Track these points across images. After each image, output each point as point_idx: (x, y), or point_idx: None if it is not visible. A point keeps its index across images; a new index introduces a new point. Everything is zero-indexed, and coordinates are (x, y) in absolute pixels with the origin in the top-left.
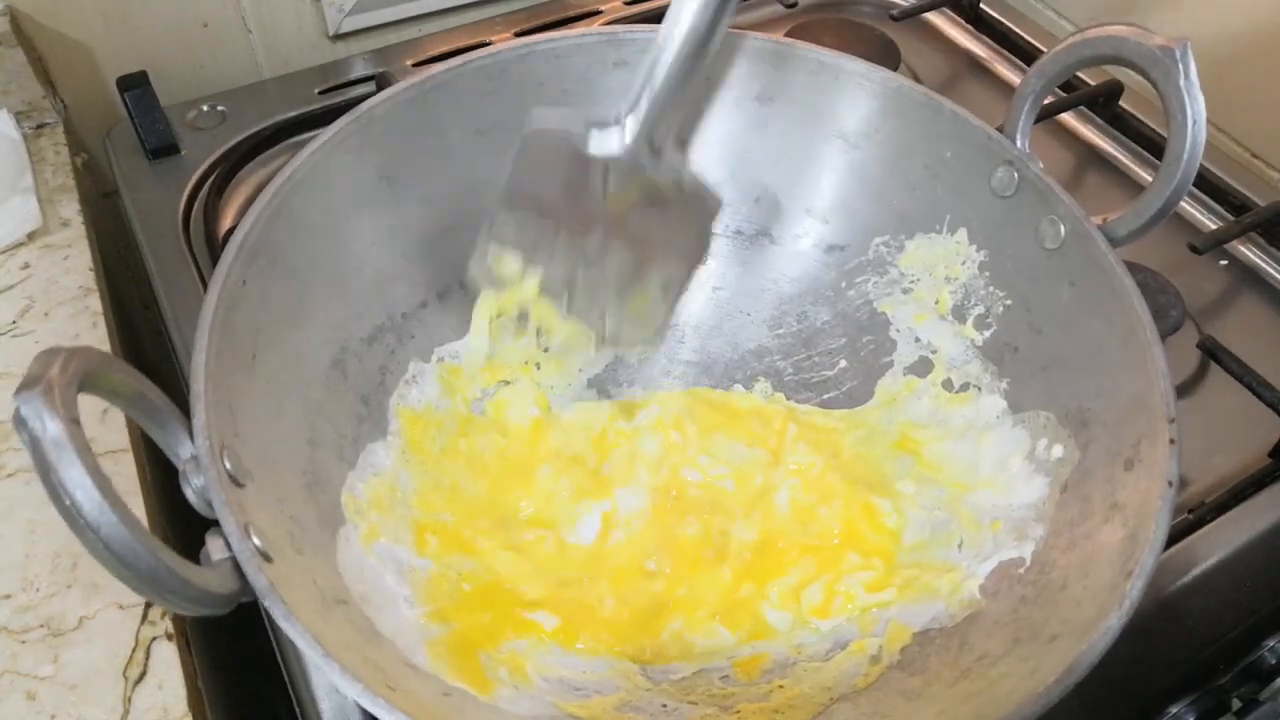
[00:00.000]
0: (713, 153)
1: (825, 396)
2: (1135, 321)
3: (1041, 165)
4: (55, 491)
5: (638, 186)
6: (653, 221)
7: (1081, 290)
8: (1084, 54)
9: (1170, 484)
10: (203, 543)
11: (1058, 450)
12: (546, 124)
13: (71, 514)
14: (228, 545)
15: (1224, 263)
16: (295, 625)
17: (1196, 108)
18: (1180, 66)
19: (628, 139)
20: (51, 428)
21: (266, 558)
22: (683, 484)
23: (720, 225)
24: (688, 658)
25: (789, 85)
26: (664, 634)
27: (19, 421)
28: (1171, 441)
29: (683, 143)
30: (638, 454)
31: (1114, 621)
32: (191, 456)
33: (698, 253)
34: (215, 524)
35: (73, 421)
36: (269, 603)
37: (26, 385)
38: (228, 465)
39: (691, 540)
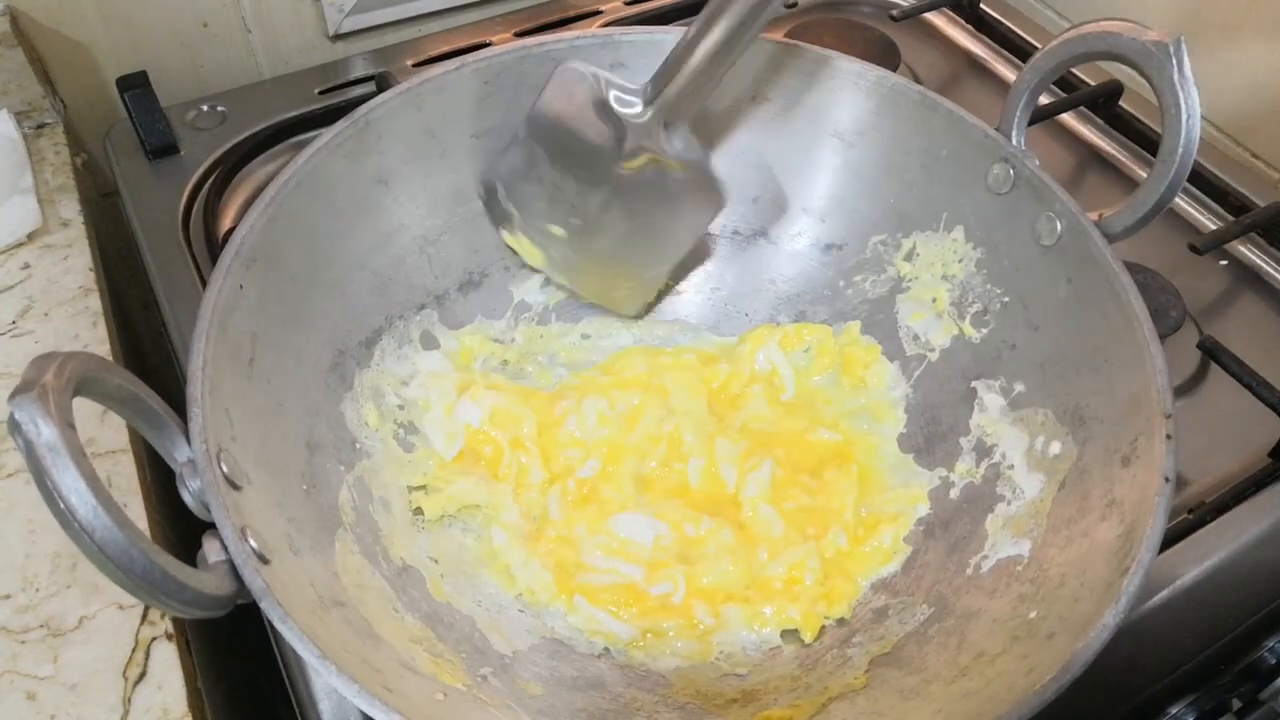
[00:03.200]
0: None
1: None
2: (1132, 318)
3: (1037, 162)
4: (50, 496)
5: (648, 158)
6: (655, 202)
7: (1078, 286)
8: (1078, 50)
9: (1167, 480)
10: (201, 543)
11: (1056, 447)
12: (581, 68)
13: (66, 518)
14: (224, 548)
15: (1224, 263)
16: (292, 627)
17: (1191, 102)
18: (1174, 61)
19: (650, 107)
20: (46, 433)
21: (263, 560)
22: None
23: (717, 226)
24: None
25: (784, 85)
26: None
27: (13, 427)
28: (1168, 437)
29: (698, 133)
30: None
31: (1111, 618)
32: (188, 460)
33: (686, 244)
34: (213, 526)
35: (67, 426)
36: (265, 605)
37: (21, 390)
38: (224, 468)
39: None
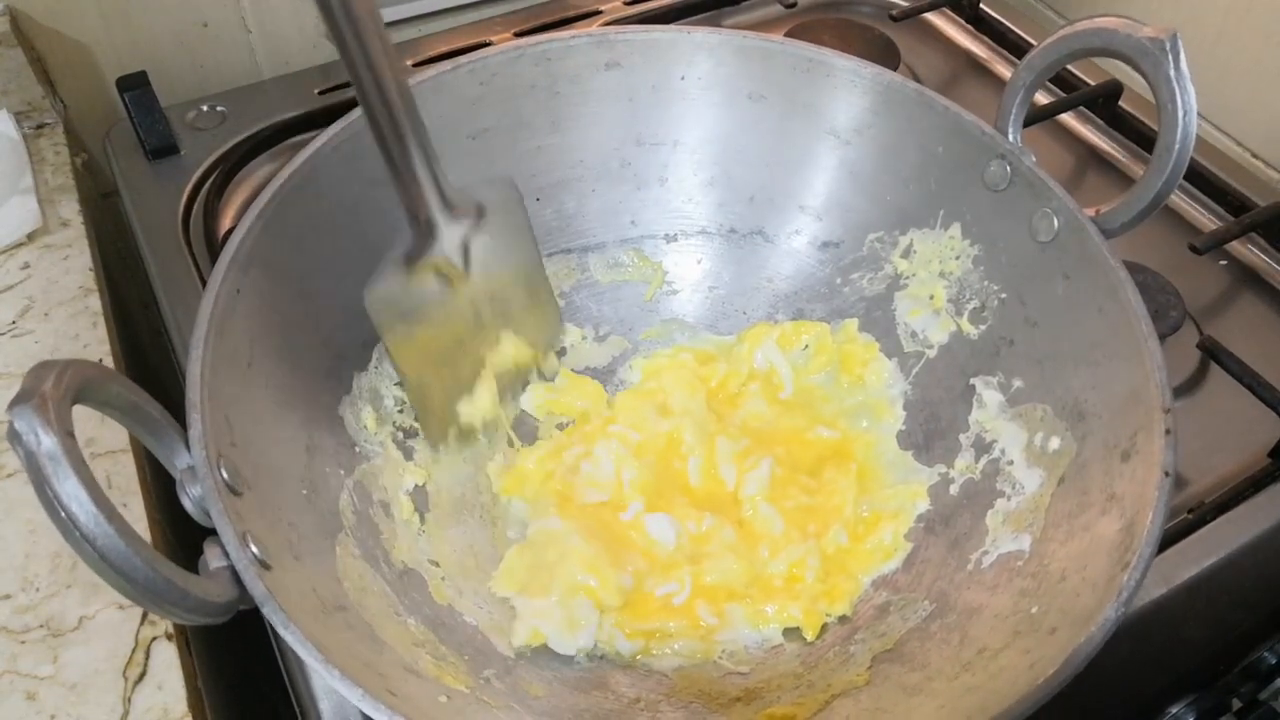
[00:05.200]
0: (705, 151)
1: None
2: (1130, 313)
3: (1034, 159)
4: (51, 505)
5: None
6: (487, 253)
7: (1075, 283)
8: (1074, 46)
9: (1167, 474)
10: (204, 542)
11: (1055, 443)
12: (376, 284)
13: (67, 527)
14: (225, 554)
15: (1224, 263)
16: (295, 633)
17: (1187, 99)
18: (1170, 57)
19: (440, 228)
20: (46, 442)
21: (265, 565)
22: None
23: (715, 224)
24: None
25: (780, 83)
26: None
27: (13, 436)
28: (1168, 432)
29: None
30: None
31: (1112, 612)
32: (188, 466)
33: (530, 242)
34: (213, 532)
35: (67, 435)
36: (268, 610)
37: (20, 399)
38: (224, 474)
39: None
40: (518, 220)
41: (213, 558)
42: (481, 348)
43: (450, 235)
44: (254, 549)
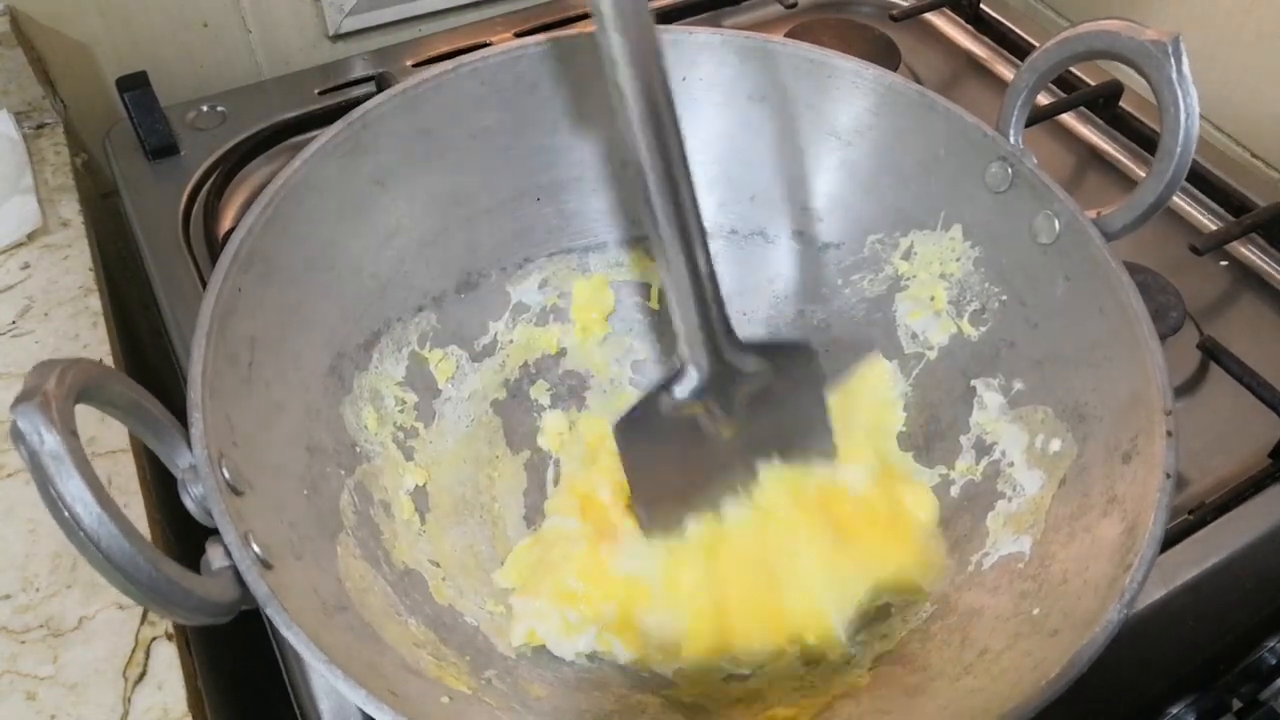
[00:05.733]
0: (706, 152)
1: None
2: (1131, 315)
3: (1035, 161)
4: (54, 504)
5: (740, 393)
6: (764, 414)
7: (1077, 285)
8: (1076, 49)
9: (1168, 476)
10: (204, 542)
11: (1055, 445)
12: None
13: (70, 526)
14: (228, 554)
15: (1224, 263)
16: (297, 633)
17: (1189, 101)
18: (1172, 60)
19: (701, 367)
20: (49, 440)
21: (267, 565)
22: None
23: (716, 225)
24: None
25: (782, 84)
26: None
27: (16, 435)
28: (1169, 434)
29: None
30: None
31: (1114, 614)
32: (190, 465)
33: (821, 412)
34: (215, 531)
35: (70, 434)
36: (270, 610)
37: (23, 398)
38: (226, 474)
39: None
40: (810, 390)
41: (215, 557)
42: (733, 479)
43: (720, 381)
44: (256, 549)
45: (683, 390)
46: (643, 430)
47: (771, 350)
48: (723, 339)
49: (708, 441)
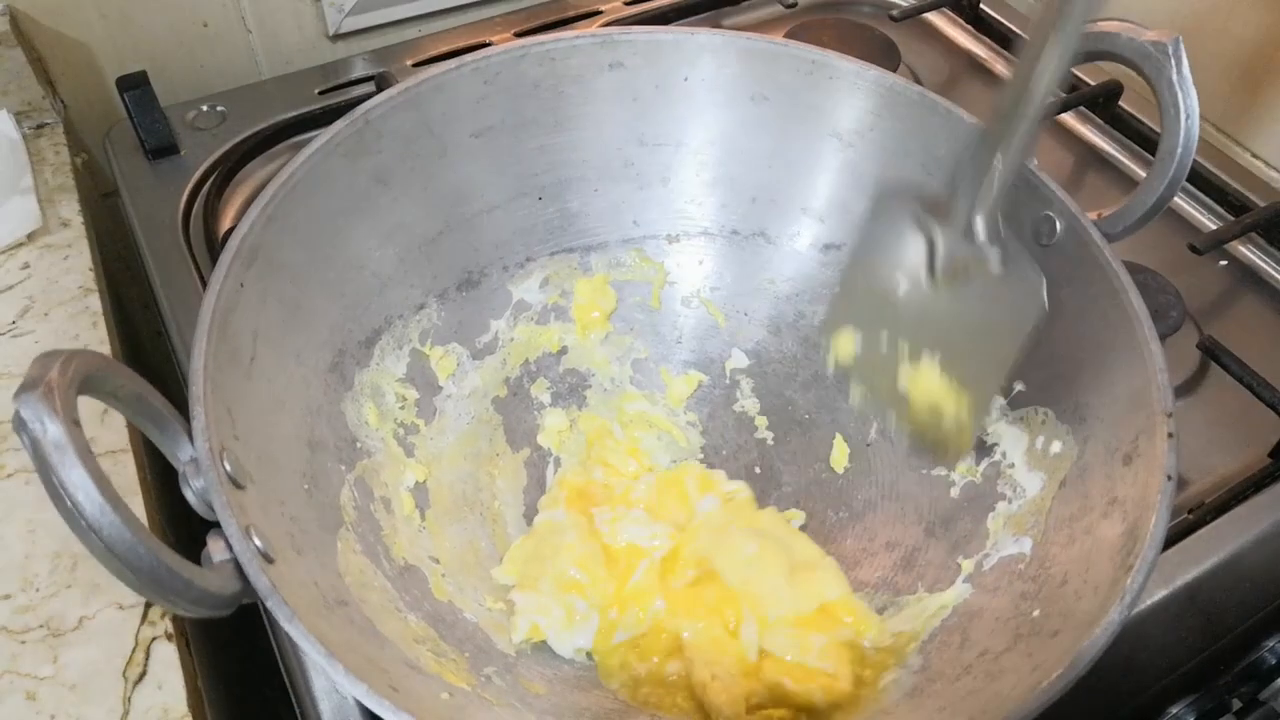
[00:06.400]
0: (708, 152)
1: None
2: (1132, 316)
3: (1035, 161)
4: (56, 493)
5: (962, 264)
6: (972, 313)
7: (1077, 286)
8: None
9: (1169, 478)
10: (203, 542)
11: (1056, 446)
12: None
13: (73, 515)
14: (229, 547)
15: (1224, 263)
16: (298, 627)
17: (1189, 102)
18: (1172, 61)
19: (964, 218)
20: (52, 430)
21: (268, 559)
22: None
23: (717, 225)
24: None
25: (783, 84)
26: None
27: (19, 424)
28: (1170, 436)
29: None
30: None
31: (1114, 616)
32: (191, 459)
33: (1010, 356)
34: (216, 525)
35: (73, 423)
36: (271, 604)
37: (27, 387)
38: (227, 467)
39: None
40: (1016, 309)
41: (216, 551)
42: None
43: (957, 235)
44: (257, 542)
45: (930, 212)
46: (893, 210)
47: (1022, 264)
48: (992, 200)
49: (911, 274)
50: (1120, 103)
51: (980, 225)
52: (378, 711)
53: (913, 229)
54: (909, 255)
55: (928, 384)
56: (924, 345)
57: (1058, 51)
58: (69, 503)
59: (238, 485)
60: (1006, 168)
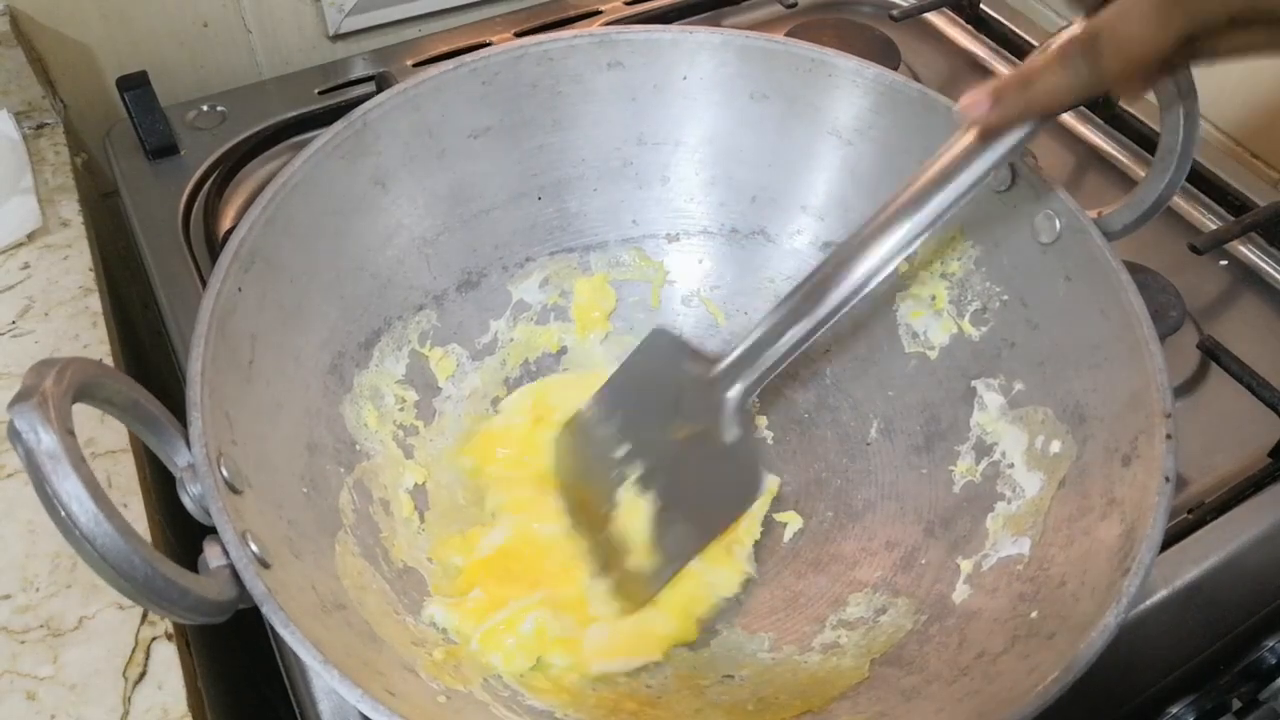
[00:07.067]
0: (707, 151)
1: (820, 392)
2: (1132, 316)
3: (1035, 160)
4: (51, 504)
5: (700, 427)
6: (696, 475)
7: (1077, 285)
8: None
9: (1168, 479)
10: (202, 543)
11: (1055, 446)
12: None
13: (67, 526)
14: (225, 552)
15: (1224, 263)
16: (294, 632)
17: (1190, 102)
18: None
19: (720, 372)
20: (46, 440)
21: (264, 564)
22: None
23: (717, 224)
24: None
25: (782, 83)
26: None
27: (13, 434)
28: (1169, 437)
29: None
30: None
31: (1112, 618)
32: (188, 464)
33: (716, 530)
34: (213, 530)
35: (67, 433)
36: (267, 609)
37: (20, 398)
38: (225, 472)
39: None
40: (735, 490)
41: (212, 556)
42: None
43: (707, 392)
44: (254, 547)
45: (703, 389)
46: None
47: (747, 444)
48: (751, 396)
49: (653, 418)
50: (1120, 102)
51: (733, 396)
52: (374, 716)
53: (676, 370)
54: (662, 394)
55: (634, 519)
56: (654, 482)
57: (883, 256)
58: (63, 513)
59: (235, 490)
60: (775, 357)
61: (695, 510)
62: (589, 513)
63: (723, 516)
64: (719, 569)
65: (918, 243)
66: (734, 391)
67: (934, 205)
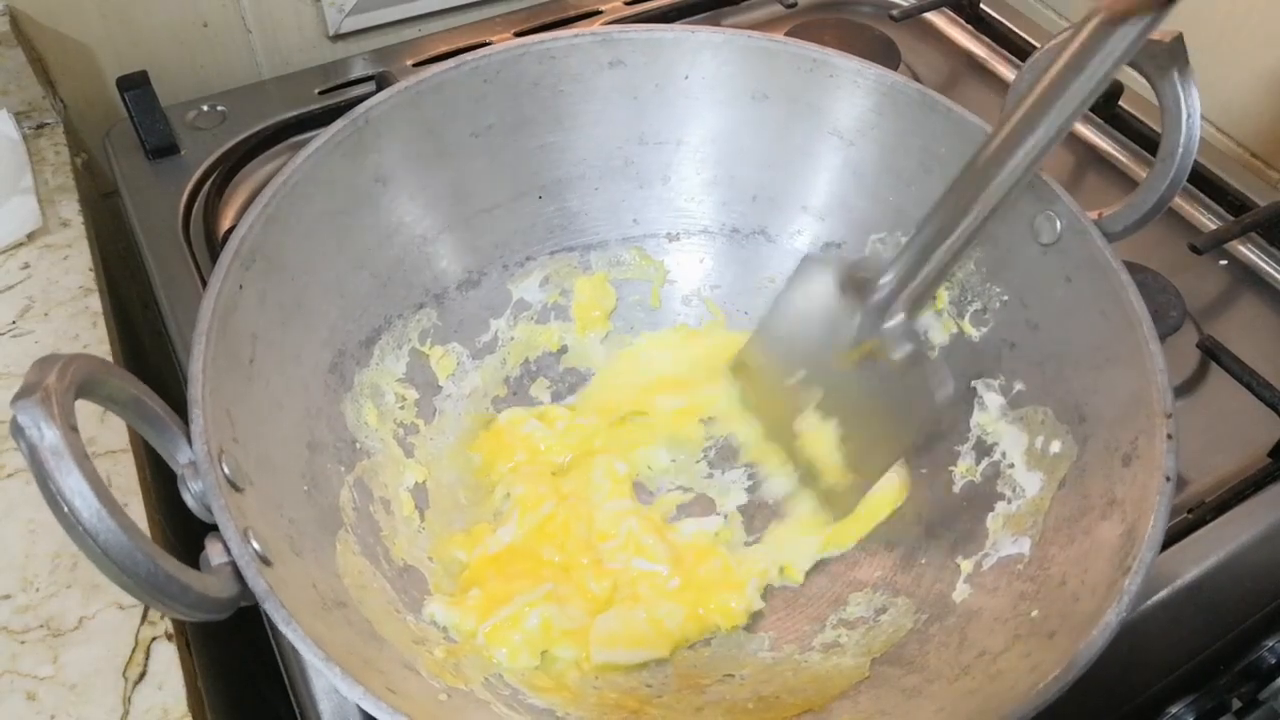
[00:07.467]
0: (708, 151)
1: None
2: (1132, 317)
3: None
4: (53, 499)
5: (870, 346)
6: (873, 396)
7: (1078, 286)
8: None
9: (1168, 479)
10: (204, 541)
11: (1055, 446)
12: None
13: (70, 521)
14: (227, 550)
15: (1224, 263)
16: (295, 629)
17: (1191, 102)
18: (1175, 61)
19: (883, 303)
20: (49, 436)
21: (266, 562)
22: None
23: (718, 224)
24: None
25: (783, 83)
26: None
27: (16, 430)
28: (1169, 437)
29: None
30: None
31: (1113, 617)
32: (190, 461)
33: (899, 445)
34: (214, 528)
35: (70, 429)
36: (269, 607)
37: (24, 394)
38: (226, 470)
39: None
40: (914, 402)
41: (214, 554)
42: (796, 416)
43: (874, 316)
44: (255, 545)
45: (855, 287)
46: (811, 282)
47: (917, 359)
48: (916, 313)
49: (821, 345)
50: (1120, 103)
51: (897, 315)
52: (375, 714)
53: (833, 299)
54: (825, 323)
55: (820, 445)
56: (831, 410)
57: (1036, 146)
58: (66, 509)
59: (236, 488)
60: (937, 267)
61: (879, 433)
62: (781, 431)
63: (905, 433)
64: (729, 593)
65: (1064, 131)
66: (896, 310)
67: (1075, 90)
